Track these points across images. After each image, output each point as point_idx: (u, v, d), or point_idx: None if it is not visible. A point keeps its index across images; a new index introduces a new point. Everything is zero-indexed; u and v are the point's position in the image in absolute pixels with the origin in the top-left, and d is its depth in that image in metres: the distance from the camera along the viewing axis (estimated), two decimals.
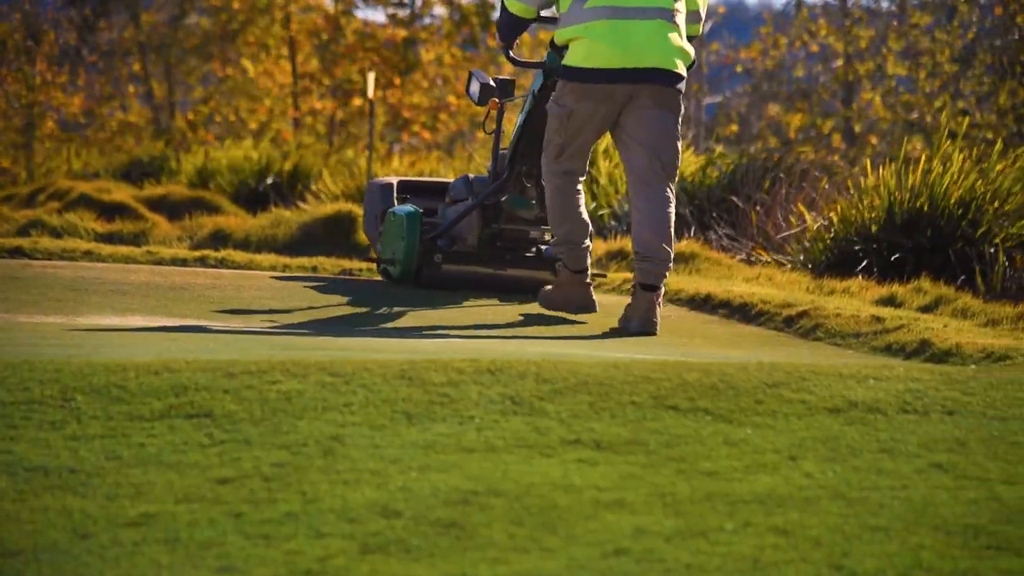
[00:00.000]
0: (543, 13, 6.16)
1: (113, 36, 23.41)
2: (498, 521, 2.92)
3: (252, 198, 14.61)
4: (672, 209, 5.82)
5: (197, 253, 8.32)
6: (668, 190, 5.84)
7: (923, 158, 8.05)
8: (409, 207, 6.76)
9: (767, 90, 25.27)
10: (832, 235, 8.09)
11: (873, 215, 8.00)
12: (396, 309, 6.24)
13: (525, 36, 19.11)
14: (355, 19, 23.99)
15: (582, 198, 6.07)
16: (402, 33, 24.01)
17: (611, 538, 2.85)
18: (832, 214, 8.22)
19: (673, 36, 5.87)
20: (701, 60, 26.75)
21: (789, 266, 8.26)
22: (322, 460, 3.22)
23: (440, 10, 25.26)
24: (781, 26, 24.34)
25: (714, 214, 9.98)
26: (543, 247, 6.73)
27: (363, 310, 6.23)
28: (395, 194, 7.07)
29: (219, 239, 9.85)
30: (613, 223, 10.32)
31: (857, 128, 22.36)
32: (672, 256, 5.80)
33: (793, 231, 8.34)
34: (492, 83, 6.67)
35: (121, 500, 3.01)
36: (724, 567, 2.73)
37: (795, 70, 24.12)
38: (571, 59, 5.90)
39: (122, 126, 22.78)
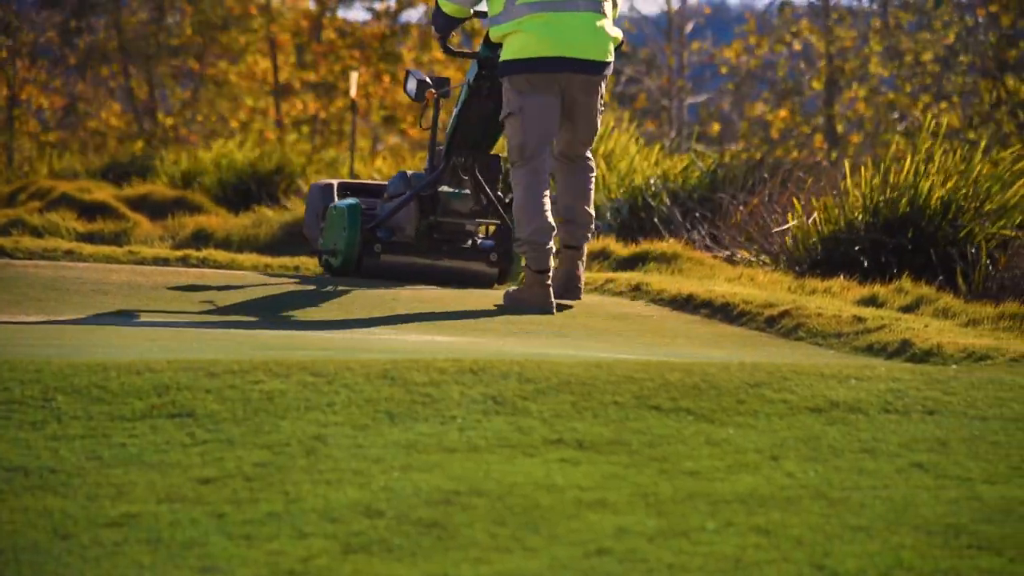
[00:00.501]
0: (477, 8, 6.46)
1: (96, 39, 23.35)
2: (480, 521, 2.92)
3: (234, 198, 14.59)
4: (593, 177, 6.38)
5: (179, 253, 8.31)
6: (589, 162, 6.39)
7: (908, 159, 8.07)
8: (350, 200, 7.00)
9: (749, 90, 25.31)
10: (815, 235, 8.11)
11: (855, 215, 8.02)
12: (378, 308, 6.24)
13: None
14: (337, 18, 23.97)
15: (548, 195, 6.26)
16: (383, 28, 24.01)
17: (593, 538, 2.85)
18: (815, 214, 8.24)
19: (604, 25, 6.29)
20: (683, 61, 26.79)
21: (771, 266, 8.27)
22: (304, 460, 3.22)
23: (417, 12, 25.23)
24: (764, 27, 24.39)
25: (697, 214, 10.00)
26: (478, 239, 7.03)
27: (345, 309, 6.23)
28: (335, 194, 7.31)
29: (201, 239, 9.84)
30: (596, 222, 10.33)
31: (840, 128, 22.41)
32: (593, 220, 6.37)
33: (778, 230, 8.35)
34: (428, 80, 6.91)
35: (102, 500, 3.00)
36: (706, 567, 2.73)
37: (778, 70, 24.17)
38: (507, 54, 6.24)
39: (103, 125, 22.73)
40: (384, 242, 6.89)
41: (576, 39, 6.19)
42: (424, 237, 6.89)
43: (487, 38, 6.44)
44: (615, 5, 6.39)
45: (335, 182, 7.40)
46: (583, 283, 6.39)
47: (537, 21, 6.18)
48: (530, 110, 6.19)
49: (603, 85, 6.32)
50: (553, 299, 6.23)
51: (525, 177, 6.22)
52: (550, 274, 6.22)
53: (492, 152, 6.96)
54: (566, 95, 6.24)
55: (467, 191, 6.84)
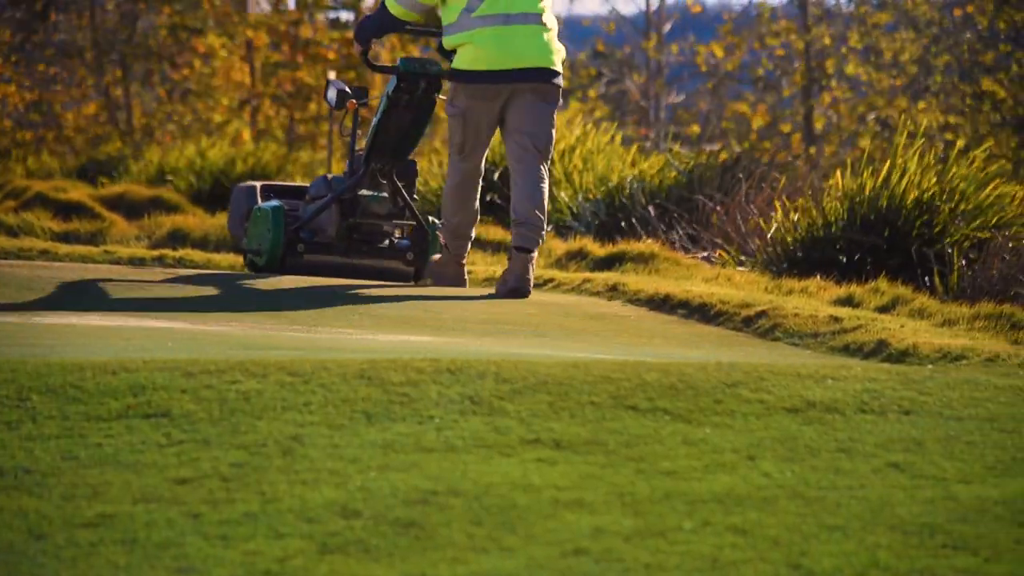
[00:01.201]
0: (416, 26, 6.99)
1: (73, 37, 23.26)
2: (457, 521, 2.92)
3: (211, 198, 14.55)
4: (545, 185, 6.74)
5: (155, 252, 8.28)
6: (542, 168, 6.75)
7: (888, 161, 8.10)
8: (274, 202, 7.39)
9: (726, 90, 25.35)
10: (792, 235, 8.13)
11: (832, 216, 8.05)
12: (359, 308, 6.23)
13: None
14: (307, 26, 23.93)
15: (477, 192, 6.88)
16: (349, 34, 24.00)
17: (570, 538, 2.86)
18: (793, 214, 8.26)
19: (548, 37, 6.77)
20: (661, 62, 26.82)
21: (748, 266, 8.29)
22: (281, 460, 3.21)
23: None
24: (740, 27, 24.44)
25: (675, 214, 10.01)
26: (396, 239, 7.45)
27: (322, 309, 6.22)
28: (258, 196, 7.69)
29: (177, 238, 9.80)
30: (574, 223, 10.34)
31: (818, 126, 22.47)
32: (544, 223, 6.70)
33: (757, 231, 8.37)
34: (347, 90, 7.31)
35: (77, 500, 2.99)
36: (683, 566, 2.74)
37: (756, 70, 24.22)
38: (459, 63, 6.76)
39: (77, 123, 22.64)
40: (307, 242, 7.27)
41: (524, 50, 6.70)
42: (344, 237, 7.27)
43: (440, 47, 6.93)
44: (554, 21, 6.91)
45: (258, 184, 7.79)
46: (532, 284, 6.80)
47: (488, 34, 6.69)
48: (472, 114, 6.75)
49: (556, 93, 6.77)
50: (466, 277, 7.04)
51: (459, 172, 6.85)
52: (465, 258, 6.99)
53: (409, 158, 7.37)
54: (515, 103, 6.73)
55: (385, 194, 7.25)
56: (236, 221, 7.71)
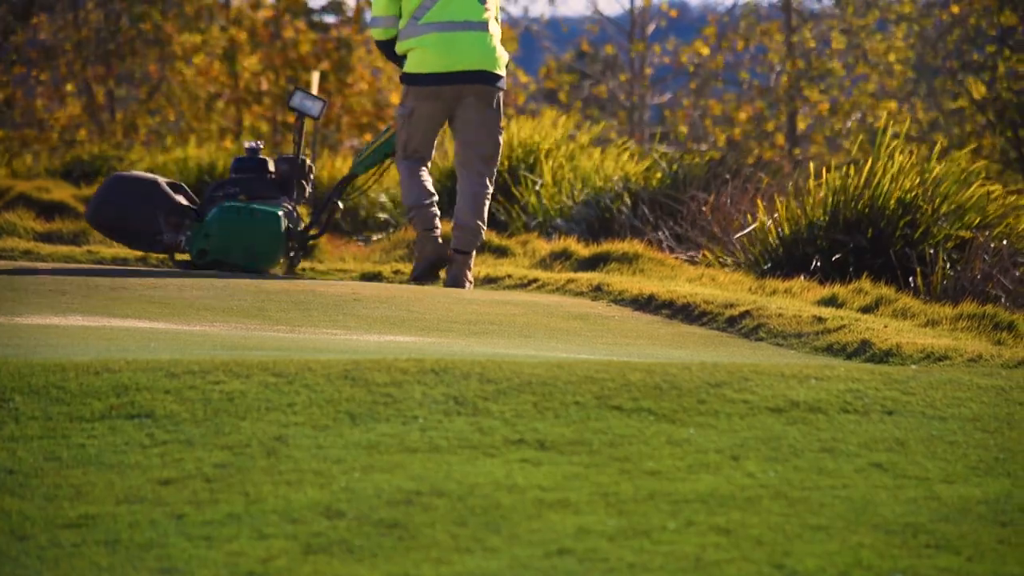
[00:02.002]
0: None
1: (55, 37, 23.19)
2: (441, 521, 2.92)
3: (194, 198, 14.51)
4: (488, 191, 7.31)
5: (138, 252, 8.26)
6: (485, 176, 7.32)
7: (870, 161, 8.12)
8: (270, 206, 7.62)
9: (709, 89, 25.37)
10: (776, 236, 8.14)
11: (816, 216, 8.06)
12: (341, 309, 6.22)
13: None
14: (289, 27, 23.90)
15: (426, 173, 7.38)
16: (334, 34, 23.98)
17: (554, 538, 2.86)
18: (777, 214, 8.27)
19: (491, 43, 7.30)
20: (644, 62, 26.84)
21: (733, 267, 8.30)
22: (265, 461, 3.21)
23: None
24: (724, 28, 24.46)
25: (660, 214, 10.02)
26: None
27: (305, 309, 6.21)
28: (167, 191, 7.74)
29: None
30: (560, 222, 10.34)
31: (801, 126, 22.50)
32: (483, 229, 7.30)
33: (740, 235, 8.39)
34: (316, 95, 7.81)
35: (60, 501, 2.98)
36: (667, 566, 2.74)
37: (740, 71, 24.24)
38: (408, 67, 7.34)
39: (60, 123, 22.57)
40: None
41: (468, 54, 7.23)
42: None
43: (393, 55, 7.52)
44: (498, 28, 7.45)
45: (161, 179, 7.93)
46: (470, 283, 7.32)
47: (434, 39, 7.24)
48: (419, 115, 7.32)
49: (498, 98, 7.31)
50: (445, 247, 7.31)
51: (407, 167, 7.40)
52: (437, 230, 7.28)
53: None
54: (462, 110, 7.29)
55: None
56: (135, 212, 7.53)
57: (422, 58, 7.26)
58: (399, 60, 7.46)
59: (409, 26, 7.29)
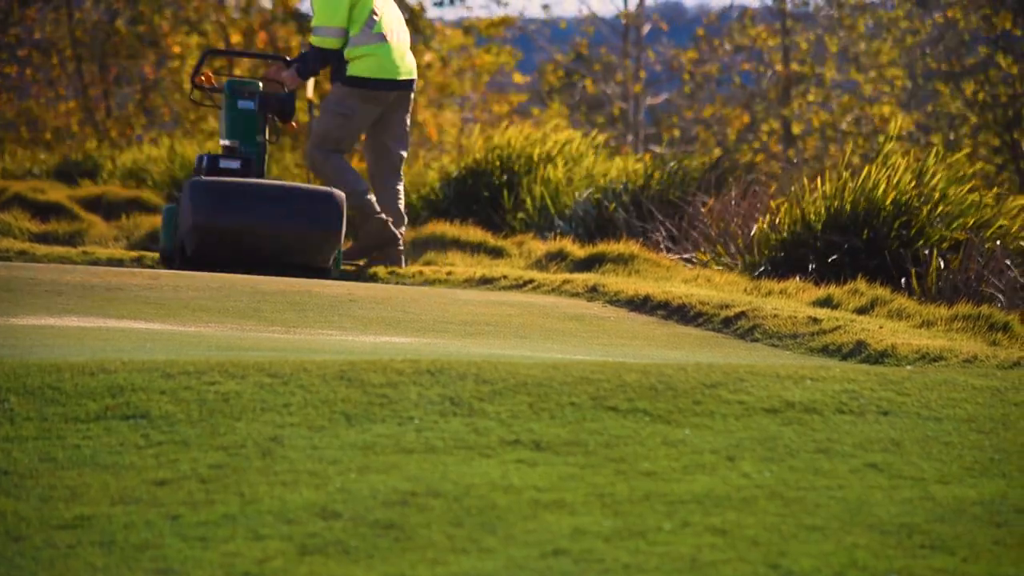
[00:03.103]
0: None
1: (50, 35, 23.16)
2: (437, 522, 2.92)
3: None
4: (401, 186, 8.32)
5: (134, 253, 8.26)
6: (401, 171, 8.35)
7: (866, 167, 8.13)
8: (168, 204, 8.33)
9: (703, 93, 25.39)
10: (773, 237, 8.15)
11: (812, 218, 8.07)
12: (337, 310, 6.22)
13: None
14: (288, 23, 23.89)
15: (344, 159, 8.14)
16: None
17: (550, 538, 2.86)
18: (772, 216, 8.28)
19: (409, 53, 8.31)
20: (639, 63, 26.86)
21: (728, 268, 8.30)
22: (260, 461, 3.21)
23: None
24: (717, 30, 24.47)
25: (656, 217, 10.02)
26: None
27: (301, 310, 6.21)
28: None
29: (156, 239, 9.77)
30: (556, 223, 10.35)
31: (796, 130, 22.52)
32: (404, 220, 8.26)
33: (741, 233, 8.39)
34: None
35: (55, 502, 2.98)
36: (662, 567, 2.74)
37: (733, 74, 24.26)
38: (358, 71, 8.07)
39: (56, 121, 22.54)
40: None
41: (400, 64, 8.16)
42: None
43: (318, 57, 8.17)
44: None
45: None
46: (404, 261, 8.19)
47: (385, 48, 8.10)
48: (362, 116, 8.10)
49: (411, 102, 8.28)
50: (395, 231, 8.12)
51: (335, 159, 8.13)
52: (377, 209, 8.07)
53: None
54: (390, 112, 8.16)
55: None
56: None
57: (378, 64, 8.06)
58: (329, 66, 8.12)
59: (363, 34, 8.05)
